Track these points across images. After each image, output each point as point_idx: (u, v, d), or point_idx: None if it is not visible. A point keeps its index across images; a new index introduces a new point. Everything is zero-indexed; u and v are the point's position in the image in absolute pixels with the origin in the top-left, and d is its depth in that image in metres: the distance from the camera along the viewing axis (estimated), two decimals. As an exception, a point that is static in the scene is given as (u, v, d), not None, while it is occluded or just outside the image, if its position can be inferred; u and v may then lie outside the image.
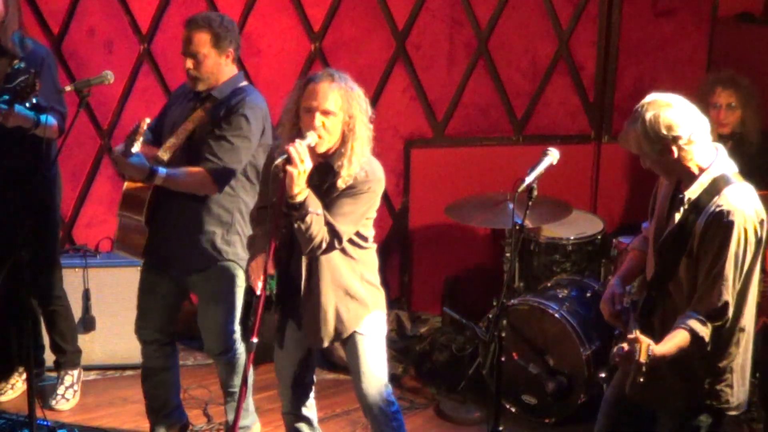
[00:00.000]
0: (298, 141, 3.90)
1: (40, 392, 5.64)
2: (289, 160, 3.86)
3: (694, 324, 3.69)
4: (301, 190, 3.91)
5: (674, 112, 3.71)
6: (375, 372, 4.38)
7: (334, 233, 4.05)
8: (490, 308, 6.09)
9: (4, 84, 4.98)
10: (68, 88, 4.86)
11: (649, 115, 3.71)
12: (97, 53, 6.14)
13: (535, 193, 4.06)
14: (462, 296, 6.79)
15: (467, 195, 6.19)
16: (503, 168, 6.61)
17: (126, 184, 4.75)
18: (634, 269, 4.16)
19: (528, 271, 6.18)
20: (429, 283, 6.91)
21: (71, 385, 5.80)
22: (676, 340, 3.70)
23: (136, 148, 4.46)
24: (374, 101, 6.41)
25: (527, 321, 5.60)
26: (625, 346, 3.64)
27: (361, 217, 4.14)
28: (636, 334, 3.68)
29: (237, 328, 5.02)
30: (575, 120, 6.91)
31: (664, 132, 3.69)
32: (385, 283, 6.61)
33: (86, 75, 5.16)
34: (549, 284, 5.96)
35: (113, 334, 6.07)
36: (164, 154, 4.69)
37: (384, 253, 6.78)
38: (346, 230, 4.09)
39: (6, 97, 4.74)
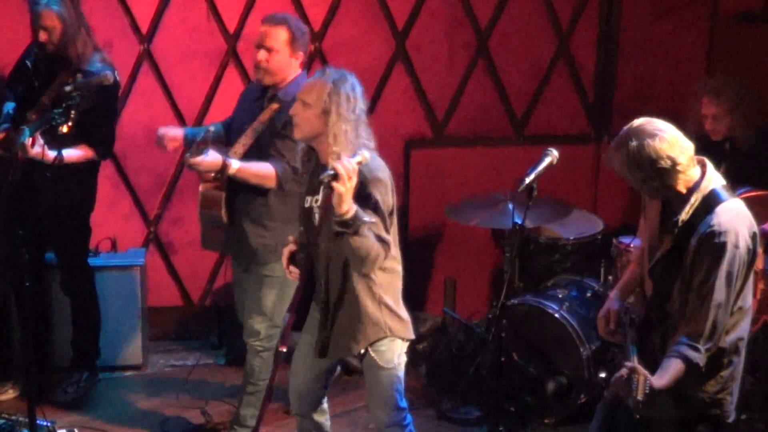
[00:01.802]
0: (346, 158, 3.86)
1: (43, 392, 5.66)
2: (335, 177, 3.79)
3: (687, 351, 3.66)
4: (349, 207, 3.83)
5: (658, 144, 3.65)
6: (391, 405, 4.33)
7: (380, 240, 4.00)
8: (490, 308, 6.09)
9: (59, 93, 5.10)
10: (68, 88, 4.89)
11: (632, 145, 3.67)
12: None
13: (535, 193, 4.06)
14: (462, 296, 6.79)
15: (467, 195, 6.18)
16: (503, 168, 6.62)
17: (201, 187, 4.96)
18: (633, 281, 4.15)
19: (528, 271, 6.17)
20: (429, 283, 6.91)
21: (77, 382, 5.83)
22: (671, 371, 3.66)
23: (205, 155, 4.70)
24: (374, 101, 6.47)
25: (527, 321, 5.59)
26: (623, 372, 3.62)
27: (385, 218, 4.06)
28: (634, 362, 3.67)
29: (279, 322, 5.05)
30: (575, 120, 6.91)
31: (647, 164, 3.66)
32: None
33: (86, 75, 5.17)
34: (549, 284, 5.95)
35: (114, 335, 6.07)
36: (234, 155, 4.87)
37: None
38: (384, 235, 4.02)
39: (28, 131, 4.86)
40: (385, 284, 4.23)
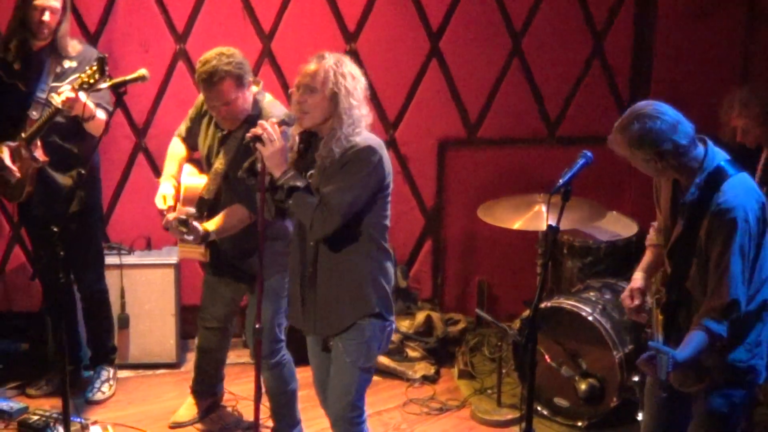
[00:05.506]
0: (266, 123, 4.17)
1: (75, 388, 5.69)
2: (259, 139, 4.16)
3: (710, 324, 3.75)
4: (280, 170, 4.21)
5: (660, 126, 3.75)
6: (346, 398, 4.35)
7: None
8: (522, 310, 6.07)
9: (53, 82, 5.13)
10: (104, 86, 4.92)
11: (635, 128, 3.77)
12: (132, 52, 6.18)
13: (570, 195, 4.04)
14: (495, 298, 6.78)
15: (501, 196, 6.17)
16: (537, 169, 6.60)
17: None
18: (656, 263, 4.21)
19: (561, 273, 6.16)
20: (462, 284, 6.90)
21: (107, 379, 5.87)
22: (694, 343, 3.76)
23: (190, 237, 4.82)
24: (408, 102, 6.47)
25: (560, 324, 5.58)
26: (648, 354, 3.73)
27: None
28: (658, 344, 3.78)
29: (283, 335, 5.10)
30: (609, 121, 6.78)
31: (649, 146, 3.77)
32: (418, 283, 6.69)
33: (122, 74, 5.19)
34: (582, 287, 5.93)
35: (147, 332, 6.12)
36: (207, 194, 4.95)
37: (417, 253, 6.81)
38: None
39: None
40: (360, 267, 4.23)
